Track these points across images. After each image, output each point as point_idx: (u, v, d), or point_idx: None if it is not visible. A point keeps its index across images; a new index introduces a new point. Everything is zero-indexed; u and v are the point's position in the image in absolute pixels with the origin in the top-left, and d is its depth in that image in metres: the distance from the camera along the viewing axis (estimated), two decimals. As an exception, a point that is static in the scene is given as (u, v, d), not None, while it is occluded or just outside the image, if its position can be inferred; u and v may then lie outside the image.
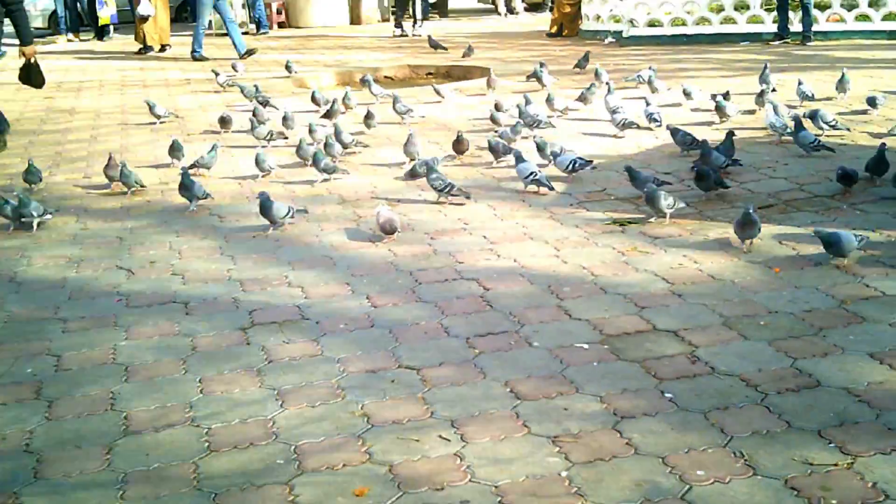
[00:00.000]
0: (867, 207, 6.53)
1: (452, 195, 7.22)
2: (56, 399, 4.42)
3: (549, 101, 10.21)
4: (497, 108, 9.85)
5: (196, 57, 16.97)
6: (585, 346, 4.69)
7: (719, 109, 9.31)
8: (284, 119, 9.76)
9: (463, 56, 15.43)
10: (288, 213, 6.71)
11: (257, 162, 8.20)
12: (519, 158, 7.47)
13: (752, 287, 5.28)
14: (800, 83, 10.04)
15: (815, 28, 15.42)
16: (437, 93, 11.59)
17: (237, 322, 5.20)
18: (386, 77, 15.08)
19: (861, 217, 6.34)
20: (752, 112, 9.74)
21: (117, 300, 5.65)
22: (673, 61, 14.09)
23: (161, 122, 10.95)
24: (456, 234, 6.51)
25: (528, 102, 9.73)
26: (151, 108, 11.03)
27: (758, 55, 14.29)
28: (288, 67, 14.43)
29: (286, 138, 9.58)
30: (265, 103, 10.88)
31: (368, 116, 9.73)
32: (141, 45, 18.50)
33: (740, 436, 3.77)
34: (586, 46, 15.66)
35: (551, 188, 7.26)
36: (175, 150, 8.76)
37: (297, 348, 4.84)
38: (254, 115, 9.85)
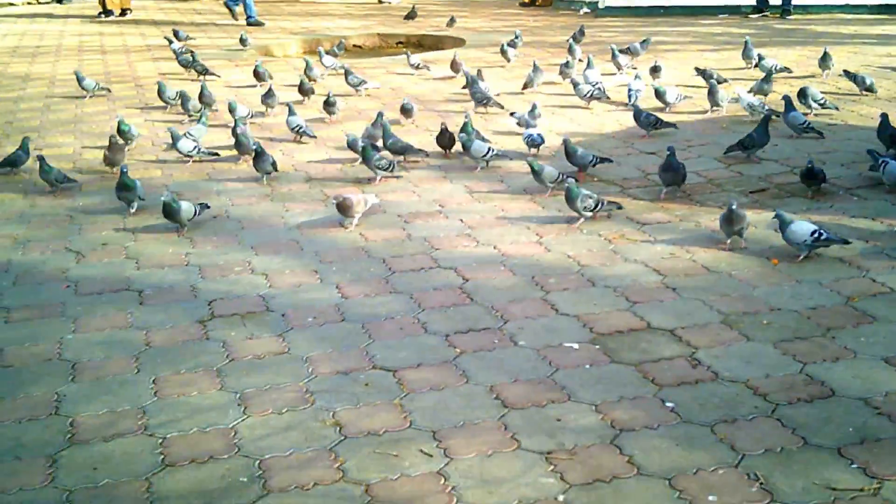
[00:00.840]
0: (866, 193, 6.19)
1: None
2: (-6, 402, 4.00)
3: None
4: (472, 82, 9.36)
5: (251, 22, 16.07)
6: (575, 345, 4.32)
7: (711, 95, 8.74)
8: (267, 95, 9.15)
9: (447, 26, 14.84)
10: (196, 214, 6.01)
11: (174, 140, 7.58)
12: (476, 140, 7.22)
13: (750, 280, 4.93)
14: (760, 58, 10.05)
15: (794, 1, 15.08)
16: (415, 67, 11.12)
17: (195, 314, 4.79)
18: (355, 46, 14.59)
19: (858, 204, 6.01)
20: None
21: (65, 286, 5.21)
22: (650, 34, 13.66)
23: (90, 97, 10.17)
24: (431, 218, 6.11)
25: (477, 79, 9.21)
26: (80, 82, 10.15)
27: (737, 28, 13.97)
28: (243, 41, 13.49)
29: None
30: (204, 72, 10.86)
31: (329, 103, 8.79)
32: (101, 10, 17.83)
33: (752, 454, 3.42)
34: (561, 17, 15.27)
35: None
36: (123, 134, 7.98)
37: (262, 344, 4.43)
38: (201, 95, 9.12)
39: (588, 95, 8.89)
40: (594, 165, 6.74)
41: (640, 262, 5.23)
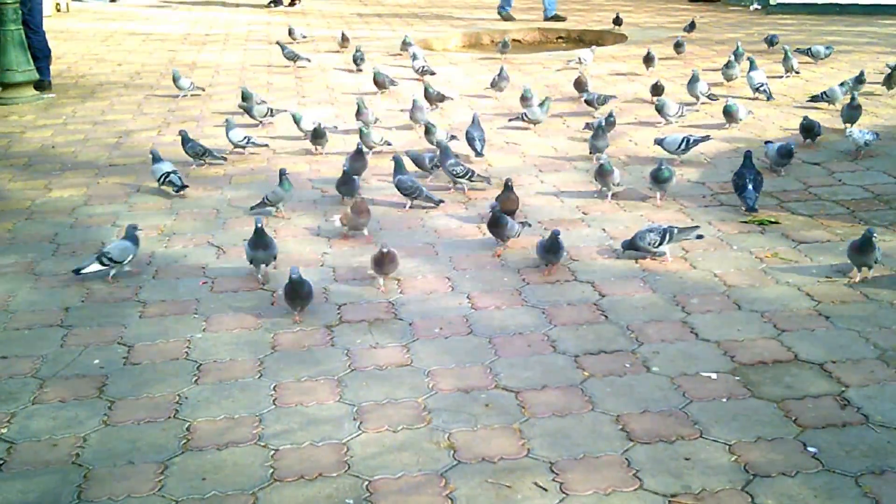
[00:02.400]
0: None
1: (473, 181, 6.57)
2: (118, 400, 4.02)
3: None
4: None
5: (503, 15, 15.49)
6: (713, 375, 4.04)
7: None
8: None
9: (612, 23, 14.12)
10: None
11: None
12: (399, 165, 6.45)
13: (914, 312, 4.53)
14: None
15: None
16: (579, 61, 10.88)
17: (324, 318, 4.73)
18: (514, 40, 14.38)
19: None
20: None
21: (202, 282, 5.24)
22: (823, 33, 12.98)
23: (183, 96, 10.04)
24: (573, 226, 5.89)
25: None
26: (175, 81, 9.94)
27: (919, 29, 13.10)
28: (345, 38, 12.71)
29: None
30: (294, 58, 11.46)
31: (317, 135, 7.63)
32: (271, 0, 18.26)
33: (900, 513, 3.11)
34: (730, 13, 14.67)
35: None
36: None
37: (385, 354, 4.33)
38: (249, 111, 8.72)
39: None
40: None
41: (793, 286, 4.88)
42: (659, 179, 6.11)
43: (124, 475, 3.49)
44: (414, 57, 10.75)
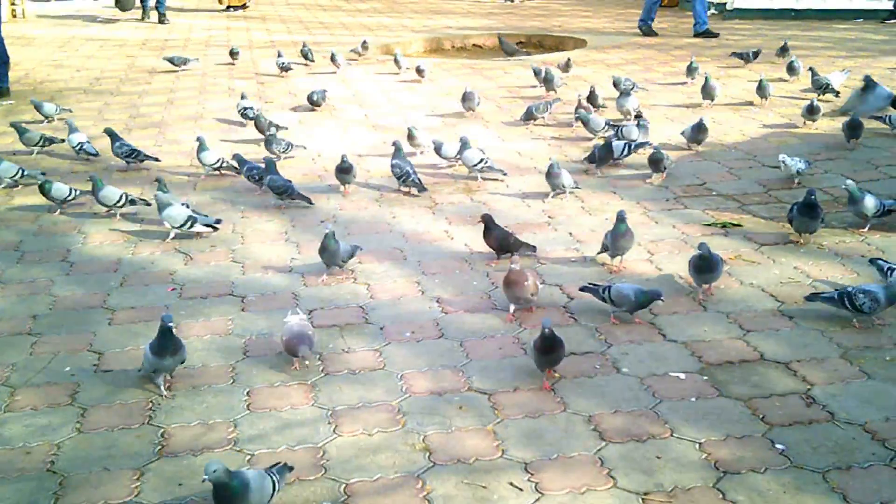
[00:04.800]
0: None
1: (414, 185, 6.71)
2: (90, 407, 4.02)
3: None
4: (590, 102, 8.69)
5: (644, 29, 13.98)
6: (682, 375, 4.11)
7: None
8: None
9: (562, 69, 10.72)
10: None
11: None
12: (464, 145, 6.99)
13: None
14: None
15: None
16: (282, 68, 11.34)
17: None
18: (475, 45, 14.48)
19: None
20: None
21: (171, 289, 5.23)
22: (780, 38, 13.13)
23: (49, 122, 9.27)
24: (540, 229, 5.94)
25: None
26: (38, 109, 9.19)
27: (873, 34, 13.35)
28: (305, 55, 12.08)
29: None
30: (286, 69, 11.44)
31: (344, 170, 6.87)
32: (227, 5, 18.19)
33: (867, 508, 3.19)
34: (687, 17, 14.81)
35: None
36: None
37: (358, 359, 4.36)
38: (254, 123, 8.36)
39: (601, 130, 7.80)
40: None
41: (757, 286, 4.98)
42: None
43: (100, 481, 3.49)
44: (397, 62, 11.21)
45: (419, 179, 6.71)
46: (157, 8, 15.84)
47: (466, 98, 8.97)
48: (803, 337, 4.42)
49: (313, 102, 9.39)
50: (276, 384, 4.14)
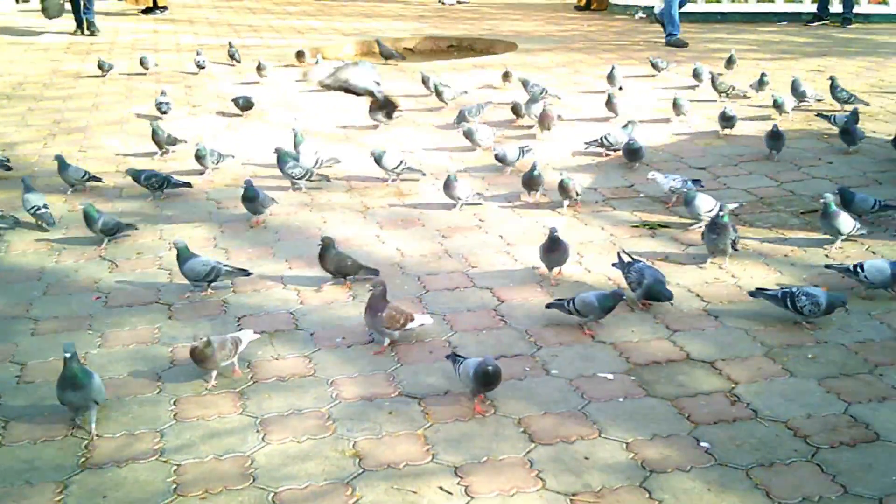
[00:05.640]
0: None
1: (311, 180, 6.92)
2: (12, 419, 3.93)
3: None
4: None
5: (671, 42, 13.05)
6: (610, 376, 4.16)
7: (777, 106, 8.46)
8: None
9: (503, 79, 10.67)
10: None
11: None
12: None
13: (797, 310, 4.73)
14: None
15: (856, 10, 14.68)
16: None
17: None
18: (406, 49, 14.47)
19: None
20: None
21: (96, 297, 5.14)
22: (707, 41, 13.41)
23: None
24: (470, 232, 5.96)
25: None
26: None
27: (796, 37, 13.64)
28: (232, 55, 12.11)
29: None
30: (201, 66, 11.51)
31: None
32: (144, 7, 17.91)
33: (789, 502, 3.25)
34: (616, 21, 15.01)
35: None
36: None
37: (287, 366, 4.33)
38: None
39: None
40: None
41: (683, 287, 5.05)
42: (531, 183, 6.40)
43: (22, 495, 3.41)
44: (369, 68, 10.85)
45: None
46: (85, 15, 15.53)
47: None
48: (728, 336, 4.49)
49: (241, 107, 9.30)
50: (203, 393, 4.10)
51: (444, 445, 3.65)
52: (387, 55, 12.67)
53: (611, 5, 17.63)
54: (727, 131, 8.08)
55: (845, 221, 5.50)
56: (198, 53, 11.70)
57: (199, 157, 7.24)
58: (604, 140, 7.53)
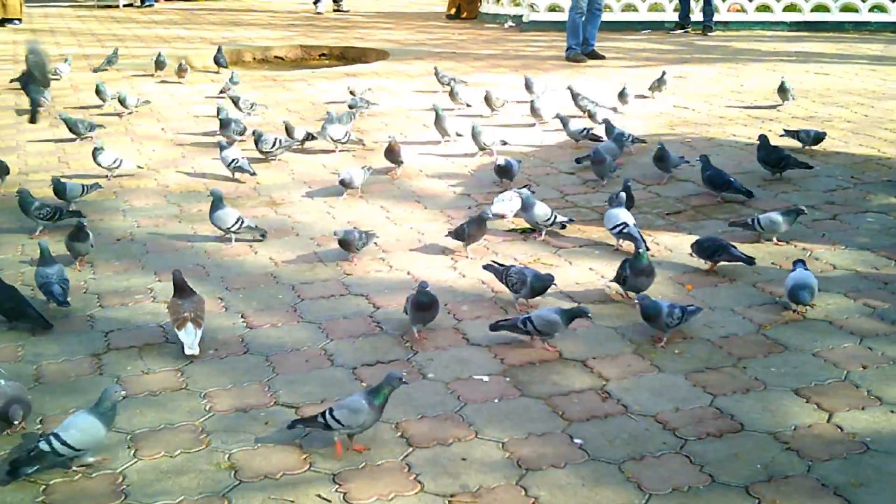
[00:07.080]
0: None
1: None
2: None
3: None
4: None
5: (570, 56, 12.69)
6: (485, 378, 4.20)
7: None
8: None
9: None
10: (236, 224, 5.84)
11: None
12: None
13: (663, 307, 4.87)
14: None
15: (716, 18, 15.23)
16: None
17: (91, 346, 4.56)
18: (276, 57, 14.37)
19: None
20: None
21: (-45, 315, 4.94)
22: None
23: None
24: (344, 240, 5.94)
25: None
26: None
27: (659, 44, 14.06)
28: (160, 64, 11.68)
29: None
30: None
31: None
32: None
33: (660, 493, 3.34)
34: (486, 30, 15.21)
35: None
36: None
37: (158, 380, 4.24)
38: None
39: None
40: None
41: (555, 288, 5.13)
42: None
43: None
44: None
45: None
46: None
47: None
48: (598, 335, 4.59)
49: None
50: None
51: (322, 453, 3.63)
52: (218, 62, 12.27)
53: (480, 14, 17.85)
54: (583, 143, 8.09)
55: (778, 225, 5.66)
56: (66, 60, 11.41)
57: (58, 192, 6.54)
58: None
